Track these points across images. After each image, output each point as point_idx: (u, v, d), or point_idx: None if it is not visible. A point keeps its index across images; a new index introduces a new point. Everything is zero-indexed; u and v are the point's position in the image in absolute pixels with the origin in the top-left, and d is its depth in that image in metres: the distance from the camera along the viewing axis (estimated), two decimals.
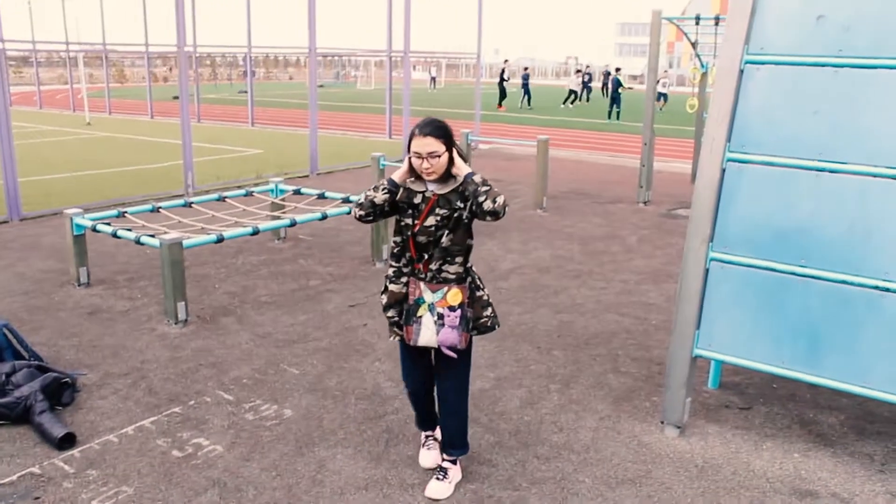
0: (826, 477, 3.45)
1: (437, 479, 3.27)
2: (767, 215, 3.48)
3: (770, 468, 3.51)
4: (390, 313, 3.19)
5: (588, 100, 32.81)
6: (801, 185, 3.40)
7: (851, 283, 3.30)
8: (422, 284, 3.08)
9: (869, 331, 3.28)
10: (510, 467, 3.48)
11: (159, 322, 5.28)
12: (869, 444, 3.74)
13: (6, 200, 8.48)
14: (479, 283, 3.21)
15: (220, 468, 3.43)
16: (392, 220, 3.18)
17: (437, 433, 3.52)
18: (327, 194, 7.04)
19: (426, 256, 3.07)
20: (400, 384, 4.17)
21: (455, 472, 3.33)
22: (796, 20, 3.42)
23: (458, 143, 3.09)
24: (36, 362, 4.21)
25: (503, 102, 28.29)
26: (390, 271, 3.18)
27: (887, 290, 3.22)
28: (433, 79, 47.27)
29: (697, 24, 10.06)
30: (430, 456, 3.48)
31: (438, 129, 2.97)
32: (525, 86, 29.54)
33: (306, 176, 11.93)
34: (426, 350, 3.20)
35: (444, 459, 3.34)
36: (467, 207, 3.00)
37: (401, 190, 3.07)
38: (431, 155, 2.95)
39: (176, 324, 5.19)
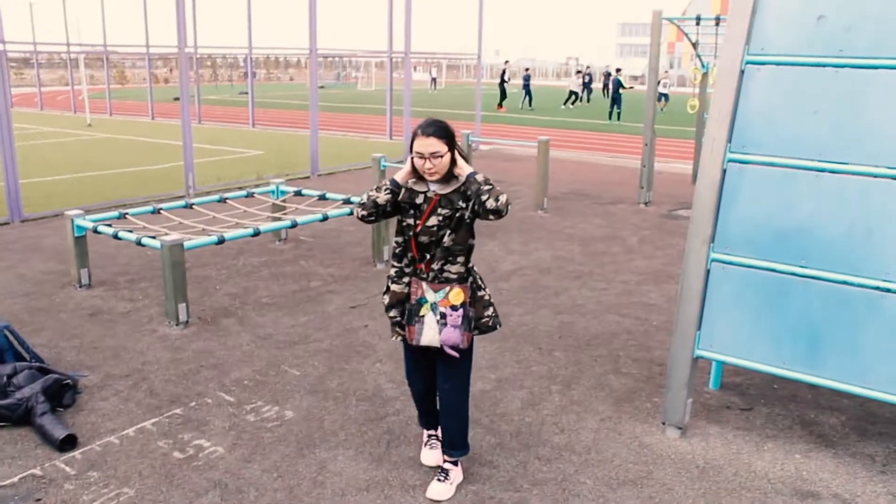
0: (827, 478, 3.44)
1: (439, 480, 3.28)
2: (768, 216, 3.48)
3: (771, 469, 3.51)
4: (392, 313, 3.20)
5: (589, 100, 32.79)
6: (802, 185, 3.40)
7: (852, 284, 3.30)
8: (424, 284, 3.09)
9: (869, 331, 3.28)
10: (511, 468, 3.48)
11: (160, 323, 5.29)
12: (870, 444, 3.74)
13: (7, 202, 8.49)
14: (480, 282, 3.21)
15: (221, 469, 3.44)
16: (393, 221, 3.18)
17: (440, 432, 3.52)
18: (328, 195, 7.05)
19: (428, 256, 3.08)
20: (401, 385, 4.17)
21: (456, 474, 3.33)
22: (797, 20, 3.42)
23: (459, 143, 3.10)
24: (37, 364, 4.22)
25: (503, 103, 28.29)
26: (392, 271, 3.18)
27: (888, 290, 3.22)
28: (434, 80, 47.26)
29: (698, 24, 10.06)
30: (432, 455, 3.48)
31: (441, 130, 2.98)
32: (526, 86, 29.54)
33: (307, 177, 11.94)
34: (428, 350, 3.20)
35: (445, 461, 3.34)
36: (469, 207, 3.00)
37: (403, 190, 3.08)
38: (434, 155, 2.96)
39: (177, 325, 5.20)
